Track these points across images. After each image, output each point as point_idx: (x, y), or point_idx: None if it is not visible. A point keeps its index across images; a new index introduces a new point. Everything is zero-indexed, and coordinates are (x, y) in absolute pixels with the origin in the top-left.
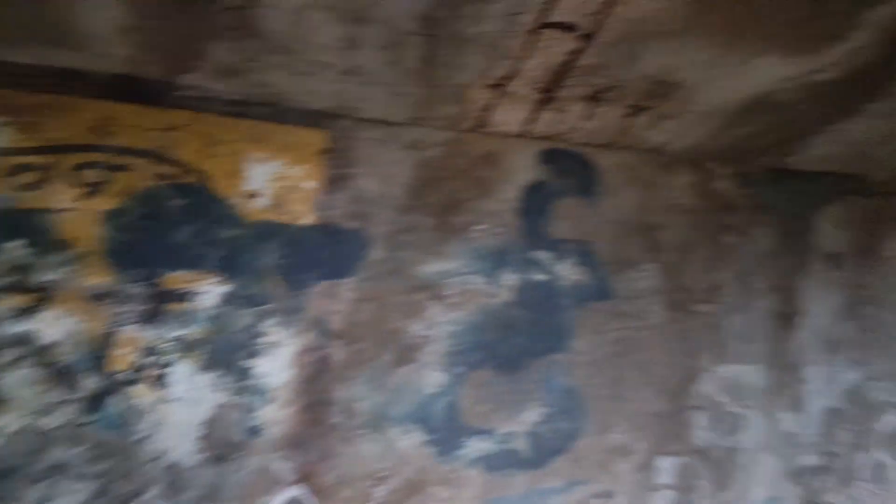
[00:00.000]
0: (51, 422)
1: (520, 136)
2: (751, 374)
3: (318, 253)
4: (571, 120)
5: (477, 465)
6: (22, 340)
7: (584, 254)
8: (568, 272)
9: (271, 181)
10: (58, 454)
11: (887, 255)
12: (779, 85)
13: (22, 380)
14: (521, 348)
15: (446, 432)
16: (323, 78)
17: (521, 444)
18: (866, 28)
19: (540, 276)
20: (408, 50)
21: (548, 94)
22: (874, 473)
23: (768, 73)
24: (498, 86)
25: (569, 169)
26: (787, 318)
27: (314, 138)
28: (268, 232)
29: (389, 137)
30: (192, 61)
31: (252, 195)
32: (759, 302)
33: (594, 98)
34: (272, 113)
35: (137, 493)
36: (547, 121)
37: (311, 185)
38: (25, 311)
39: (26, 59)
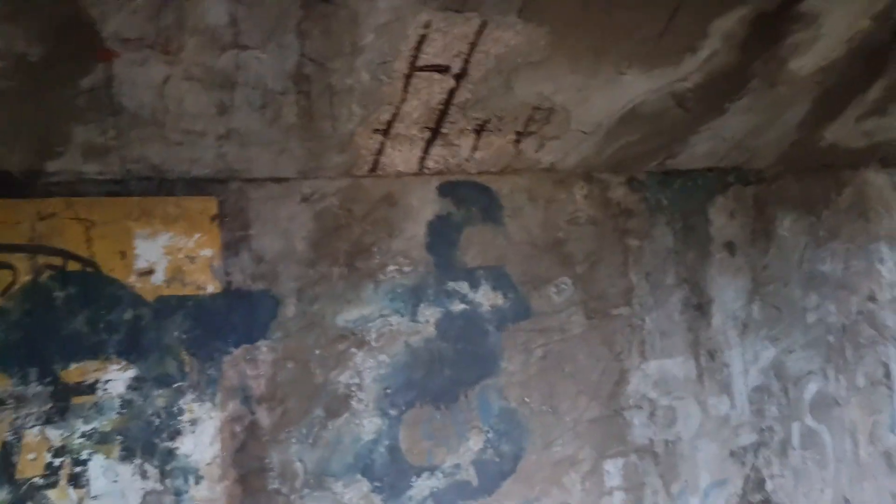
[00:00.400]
0: None
1: (416, 174)
2: (676, 366)
3: (228, 320)
4: (463, 152)
5: (428, 502)
6: None
7: (498, 277)
8: (486, 298)
9: (165, 255)
10: None
11: (781, 235)
12: (647, 97)
13: None
14: (452, 379)
15: (392, 476)
16: (201, 145)
17: (468, 475)
18: (714, 37)
19: (459, 306)
20: (284, 107)
21: (435, 132)
22: (807, 441)
23: (635, 87)
24: (384, 130)
25: (469, 199)
26: (699, 308)
27: (204, 205)
28: (170, 307)
29: (283, 194)
30: (56, 147)
31: (147, 272)
32: (671, 297)
33: (480, 130)
34: (155, 186)
35: None
36: (439, 156)
37: (208, 252)
38: None
39: None
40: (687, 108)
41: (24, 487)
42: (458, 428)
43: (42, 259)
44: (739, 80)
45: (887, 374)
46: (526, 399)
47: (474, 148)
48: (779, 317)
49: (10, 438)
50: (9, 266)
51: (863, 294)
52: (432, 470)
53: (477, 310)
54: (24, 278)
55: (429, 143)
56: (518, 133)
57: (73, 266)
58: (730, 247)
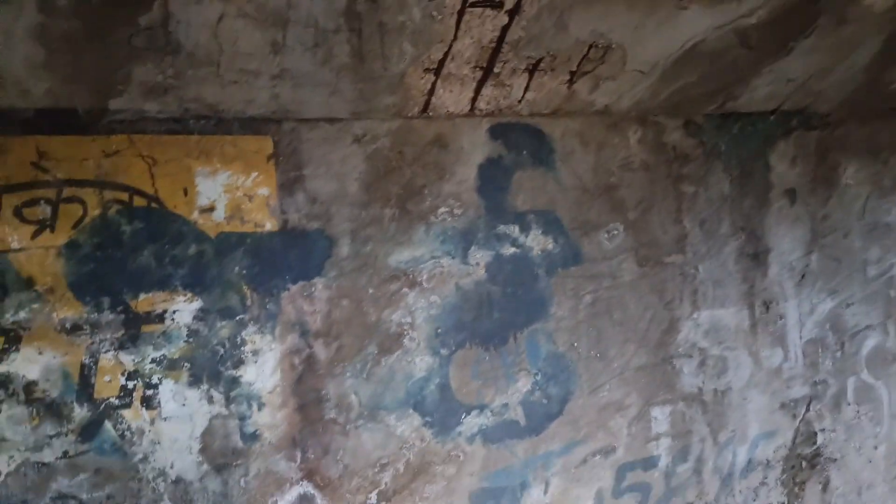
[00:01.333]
0: (48, 455)
1: (467, 115)
2: (730, 316)
3: (285, 257)
4: (514, 93)
5: (476, 439)
6: (2, 382)
7: (549, 222)
8: (536, 242)
9: (225, 193)
10: (61, 485)
11: (844, 184)
12: (708, 34)
13: (10, 419)
14: (501, 322)
15: (442, 413)
16: (255, 85)
17: (516, 414)
18: None
19: (510, 250)
20: (336, 47)
21: (486, 71)
22: (862, 396)
23: (695, 24)
24: (436, 69)
25: (521, 141)
26: (756, 257)
27: (260, 145)
28: (230, 243)
29: (335, 134)
30: (117, 85)
31: (208, 209)
32: (726, 246)
33: (532, 69)
34: (212, 125)
35: None
36: (490, 97)
37: (265, 191)
38: (0, 353)
39: None
40: (750, 47)
41: (102, 406)
42: (506, 369)
43: (109, 194)
44: (807, 17)
45: None
46: (574, 344)
47: (526, 89)
48: (837, 269)
49: (87, 361)
50: (79, 200)
51: None
52: (481, 408)
53: (527, 254)
54: (94, 212)
55: (480, 83)
56: (571, 73)
57: (138, 202)
58: (790, 194)
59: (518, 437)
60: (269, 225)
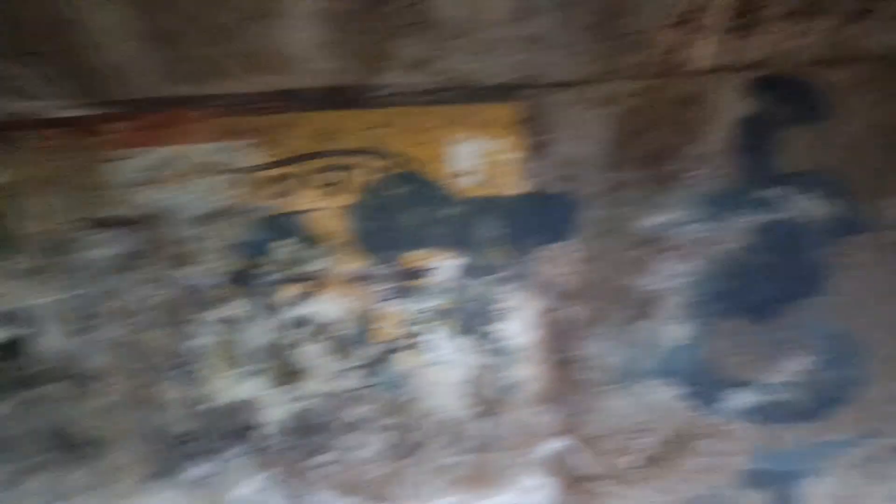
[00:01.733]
0: (343, 385)
1: (717, 70)
2: None
3: (536, 219)
4: (778, 41)
5: (744, 417)
6: (307, 321)
7: (824, 185)
8: (807, 208)
9: (478, 159)
10: (355, 411)
11: None
12: None
13: (315, 352)
14: (768, 294)
15: (702, 385)
16: (503, 52)
17: (791, 395)
18: None
19: (774, 216)
20: (581, 6)
21: (744, 19)
22: None
23: None
24: (684, 22)
25: (785, 95)
26: None
27: (508, 111)
28: (485, 205)
29: (580, 97)
30: (383, 62)
31: (461, 174)
32: None
33: (800, 12)
34: (463, 95)
35: (421, 444)
36: (749, 47)
37: (515, 156)
38: (304, 297)
39: (253, 87)
40: None
41: (383, 349)
42: (776, 346)
43: (380, 162)
44: None
45: None
46: (863, 323)
47: (792, 35)
48: None
49: (369, 308)
50: (356, 167)
51: None
52: (747, 384)
53: (796, 221)
54: (370, 177)
55: (737, 34)
56: (846, 14)
57: (403, 168)
58: None
59: (793, 420)
60: (521, 188)
